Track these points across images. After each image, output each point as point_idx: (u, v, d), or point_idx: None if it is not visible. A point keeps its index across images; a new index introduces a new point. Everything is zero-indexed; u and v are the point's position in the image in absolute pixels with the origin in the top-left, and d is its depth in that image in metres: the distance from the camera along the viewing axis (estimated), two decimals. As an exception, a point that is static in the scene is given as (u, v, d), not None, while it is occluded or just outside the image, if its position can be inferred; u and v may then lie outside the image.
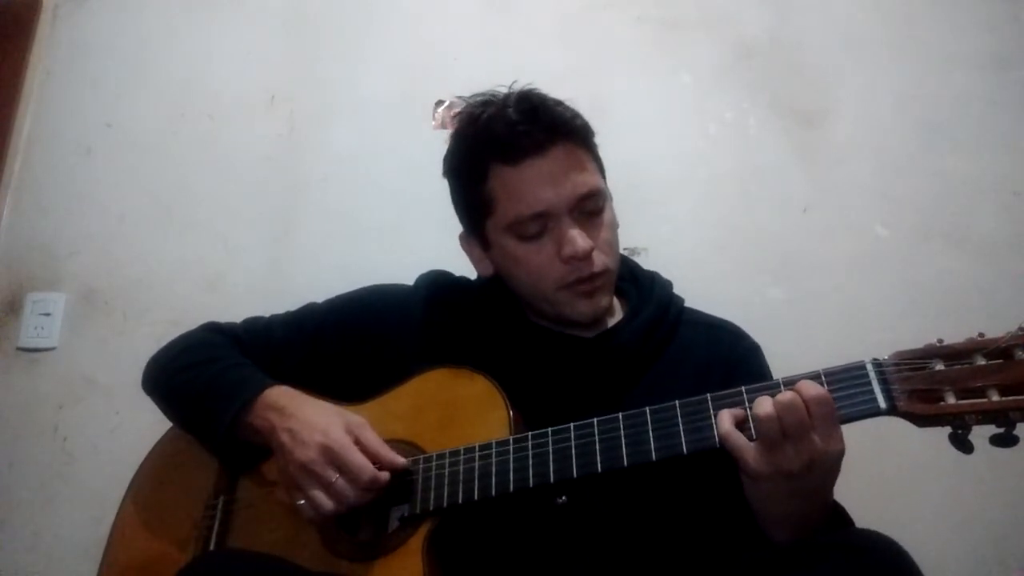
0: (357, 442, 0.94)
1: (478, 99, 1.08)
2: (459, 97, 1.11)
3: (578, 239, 1.00)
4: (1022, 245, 1.83)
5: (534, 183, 1.01)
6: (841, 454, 0.82)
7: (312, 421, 0.97)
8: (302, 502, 0.94)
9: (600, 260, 1.03)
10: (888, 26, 2.04)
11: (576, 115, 1.07)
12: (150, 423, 1.16)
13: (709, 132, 1.97)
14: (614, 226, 1.08)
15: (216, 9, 2.08)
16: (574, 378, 1.05)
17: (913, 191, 1.90)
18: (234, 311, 1.24)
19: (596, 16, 2.06)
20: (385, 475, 0.93)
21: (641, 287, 1.14)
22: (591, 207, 1.04)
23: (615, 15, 2.06)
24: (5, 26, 2.03)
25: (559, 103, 1.07)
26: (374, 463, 0.93)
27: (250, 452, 1.05)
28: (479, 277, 1.17)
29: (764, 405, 0.80)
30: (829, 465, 0.81)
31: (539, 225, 1.02)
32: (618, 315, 1.13)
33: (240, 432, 1.03)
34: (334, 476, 0.92)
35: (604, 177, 1.10)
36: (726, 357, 1.09)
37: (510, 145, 1.01)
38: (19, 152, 1.96)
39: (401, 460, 0.95)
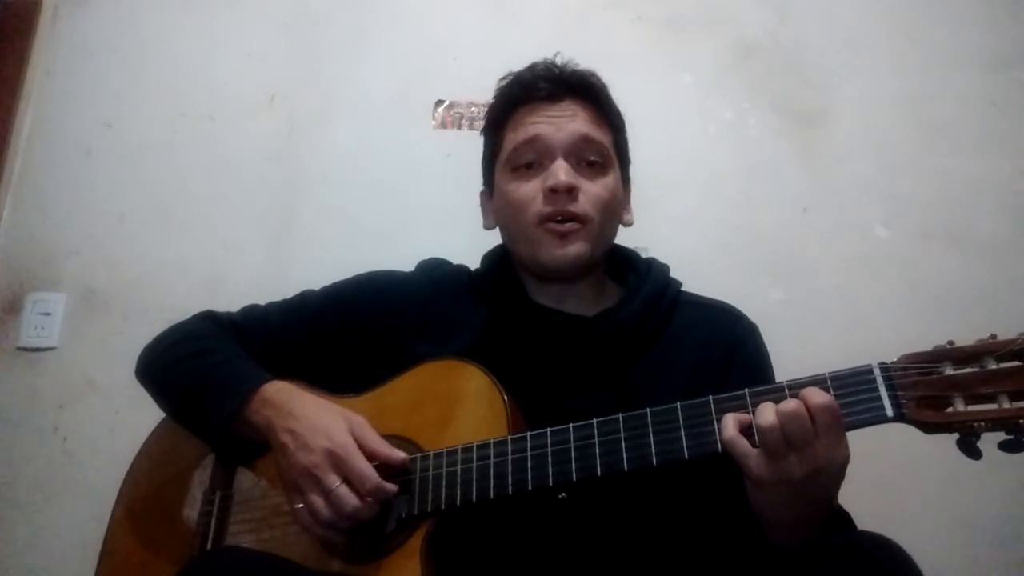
0: (356, 437, 0.93)
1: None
2: (512, 72, 1.17)
3: (561, 172, 1.04)
4: (1022, 245, 1.83)
5: (538, 118, 1.08)
6: (846, 461, 0.81)
7: (314, 422, 0.95)
8: (300, 506, 0.93)
9: (584, 205, 1.05)
10: (888, 26, 2.05)
11: (594, 75, 1.14)
12: (150, 423, 1.15)
13: (709, 132, 1.97)
14: (614, 191, 1.10)
15: (216, 9, 2.08)
16: (575, 356, 1.05)
17: (914, 191, 1.90)
18: (234, 311, 1.24)
19: (596, 16, 2.06)
20: (392, 487, 0.91)
21: (638, 270, 1.15)
22: (590, 157, 1.08)
23: (615, 15, 2.06)
24: (5, 26, 2.03)
25: (590, 71, 1.13)
26: (373, 462, 0.92)
27: (245, 447, 1.04)
28: (481, 261, 1.19)
29: (767, 414, 0.79)
30: (834, 473, 0.80)
31: (531, 155, 1.07)
32: (617, 296, 1.13)
33: (236, 427, 1.01)
34: (336, 483, 0.90)
35: (623, 160, 1.16)
36: (726, 337, 1.10)
37: (529, 89, 1.10)
38: (19, 152, 1.96)
39: (401, 454, 0.94)
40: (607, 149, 1.10)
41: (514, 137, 1.09)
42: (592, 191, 1.06)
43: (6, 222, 1.91)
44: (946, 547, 1.60)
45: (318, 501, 0.91)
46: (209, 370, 1.06)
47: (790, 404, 0.78)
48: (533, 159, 1.07)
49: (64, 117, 1.99)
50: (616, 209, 1.11)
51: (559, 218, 1.04)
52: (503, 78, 1.16)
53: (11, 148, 1.95)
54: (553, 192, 1.04)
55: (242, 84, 2.01)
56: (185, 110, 1.99)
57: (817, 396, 0.79)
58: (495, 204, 1.15)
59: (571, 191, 1.04)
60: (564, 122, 1.07)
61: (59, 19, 2.08)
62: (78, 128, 1.97)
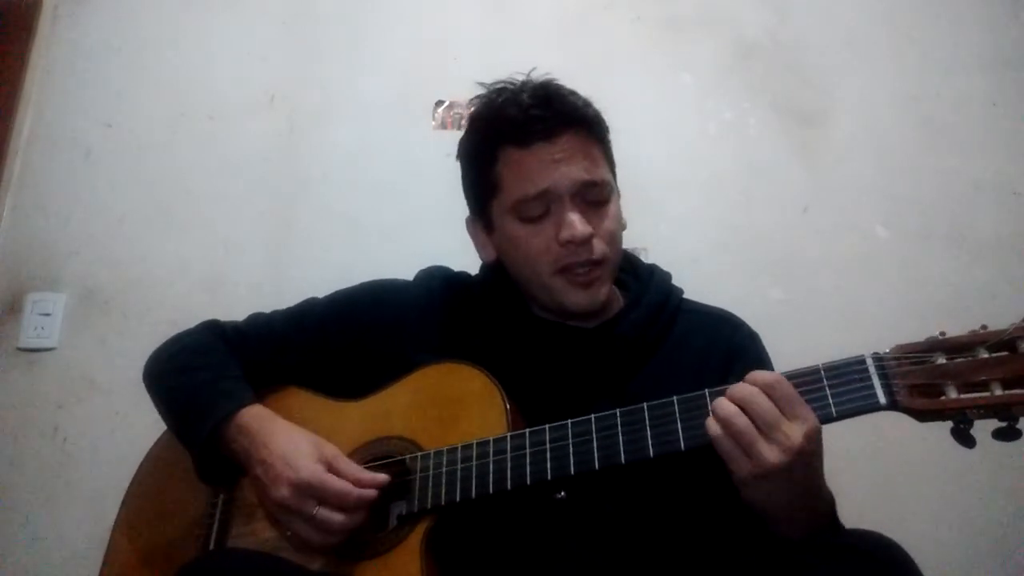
0: (332, 470, 0.94)
1: (496, 85, 1.10)
2: (480, 83, 1.12)
3: (577, 223, 1.01)
4: (1022, 245, 1.83)
5: (541, 165, 1.02)
6: (818, 431, 0.80)
7: (282, 455, 0.95)
8: (289, 534, 0.95)
9: (600, 248, 1.03)
10: (888, 26, 2.05)
11: (588, 104, 1.09)
12: (150, 423, 1.16)
13: (709, 132, 1.97)
14: (618, 219, 1.08)
15: (216, 9, 2.08)
16: (576, 368, 1.05)
17: (914, 191, 1.90)
18: (234, 311, 1.24)
19: (596, 16, 2.06)
20: (371, 492, 0.93)
21: (640, 278, 1.15)
22: (595, 196, 1.04)
23: (615, 15, 2.06)
24: (5, 26, 2.03)
25: (573, 93, 1.08)
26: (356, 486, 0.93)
27: (232, 468, 1.04)
28: (480, 269, 1.19)
29: (723, 405, 0.81)
30: (809, 450, 0.80)
31: (541, 207, 1.03)
32: (618, 305, 1.13)
33: (220, 448, 1.03)
34: (314, 508, 0.91)
35: (614, 173, 1.11)
36: (726, 346, 1.09)
37: (521, 128, 1.03)
38: (19, 152, 1.96)
39: (382, 476, 0.94)
40: (608, 178, 1.07)
41: (516, 183, 1.03)
42: (604, 228, 1.04)
43: (6, 222, 1.92)
44: (946, 547, 1.60)
45: (304, 528, 0.92)
46: (193, 391, 1.07)
47: (744, 388, 0.81)
48: (542, 210, 1.03)
49: (64, 117, 1.99)
50: (622, 229, 1.09)
51: (579, 268, 1.03)
52: (477, 98, 1.11)
53: (11, 148, 1.95)
54: (570, 243, 1.01)
55: (242, 84, 2.01)
56: (185, 110, 1.99)
57: (763, 375, 0.81)
58: (499, 244, 1.10)
59: (587, 241, 1.02)
60: (565, 165, 1.02)
61: (59, 19, 2.08)
62: (78, 128, 1.97)
